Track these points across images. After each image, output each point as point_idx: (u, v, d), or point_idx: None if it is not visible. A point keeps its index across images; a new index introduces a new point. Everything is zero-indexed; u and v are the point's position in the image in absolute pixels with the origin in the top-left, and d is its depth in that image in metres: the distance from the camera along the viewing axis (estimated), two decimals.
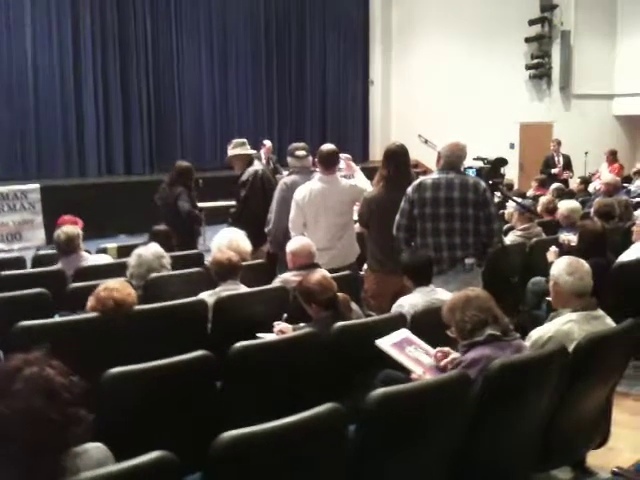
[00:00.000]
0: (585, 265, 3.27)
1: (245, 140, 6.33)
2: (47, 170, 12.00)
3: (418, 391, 2.39)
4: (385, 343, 3.07)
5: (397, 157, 4.76)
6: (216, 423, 2.36)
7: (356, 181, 5.32)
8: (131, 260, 4.41)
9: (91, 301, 3.33)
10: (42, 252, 6.22)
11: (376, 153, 15.53)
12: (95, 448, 1.76)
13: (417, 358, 3.02)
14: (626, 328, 3.06)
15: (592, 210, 6.49)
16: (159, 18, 13.41)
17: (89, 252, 5.48)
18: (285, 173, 6.56)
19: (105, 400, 2.54)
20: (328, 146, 5.24)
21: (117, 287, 3.37)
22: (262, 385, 2.98)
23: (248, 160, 6.21)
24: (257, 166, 6.19)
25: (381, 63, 16.43)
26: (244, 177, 6.08)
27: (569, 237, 5.37)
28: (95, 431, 2.44)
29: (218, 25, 14.31)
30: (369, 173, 5.67)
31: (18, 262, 5.58)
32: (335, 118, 16.18)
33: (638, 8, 13.04)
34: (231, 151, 6.25)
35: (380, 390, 2.23)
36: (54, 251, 5.42)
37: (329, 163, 5.11)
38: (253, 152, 6.39)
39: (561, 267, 3.26)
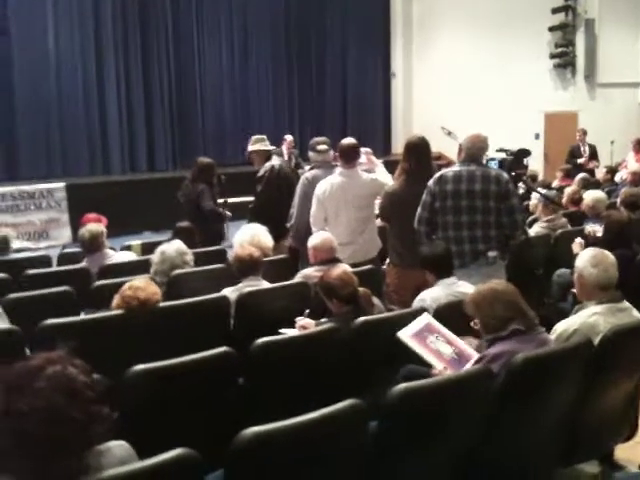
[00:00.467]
0: (610, 257, 3.22)
1: (264, 136, 6.38)
2: (71, 168, 12.13)
3: (439, 387, 2.37)
4: (406, 334, 3.06)
5: (418, 150, 4.73)
6: (238, 419, 2.37)
7: (377, 175, 5.29)
8: (154, 257, 4.44)
9: (116, 300, 3.36)
10: (67, 250, 6.29)
11: (398, 146, 15.45)
12: (118, 446, 1.77)
13: (438, 350, 3.01)
14: None
15: (618, 200, 6.40)
16: (181, 16, 13.47)
17: (114, 249, 5.54)
18: (307, 168, 6.55)
19: (128, 397, 2.56)
20: (348, 140, 5.22)
21: (142, 286, 3.39)
22: (284, 381, 2.99)
23: (267, 156, 6.24)
24: (274, 161, 6.22)
25: (402, 56, 16.32)
26: (261, 172, 6.13)
27: (594, 228, 5.30)
28: (118, 428, 2.48)
29: (239, 22, 14.34)
30: (392, 166, 5.64)
31: (44, 260, 5.65)
32: (356, 112, 16.12)
33: None
34: (250, 147, 6.32)
35: (401, 385, 2.22)
36: (79, 249, 5.48)
37: (350, 157, 5.09)
38: (272, 148, 6.43)
39: (585, 259, 3.22)
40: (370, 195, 5.11)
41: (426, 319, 3.17)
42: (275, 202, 5.96)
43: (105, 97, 12.54)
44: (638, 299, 3.34)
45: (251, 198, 6.34)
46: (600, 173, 10.72)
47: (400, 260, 4.70)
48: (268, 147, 6.34)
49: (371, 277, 4.39)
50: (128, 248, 5.92)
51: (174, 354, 2.70)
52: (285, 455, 2.00)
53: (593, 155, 11.27)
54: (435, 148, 9.78)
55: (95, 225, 5.17)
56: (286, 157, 10.68)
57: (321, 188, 5.04)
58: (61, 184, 10.40)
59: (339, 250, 4.47)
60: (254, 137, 6.39)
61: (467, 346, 3.08)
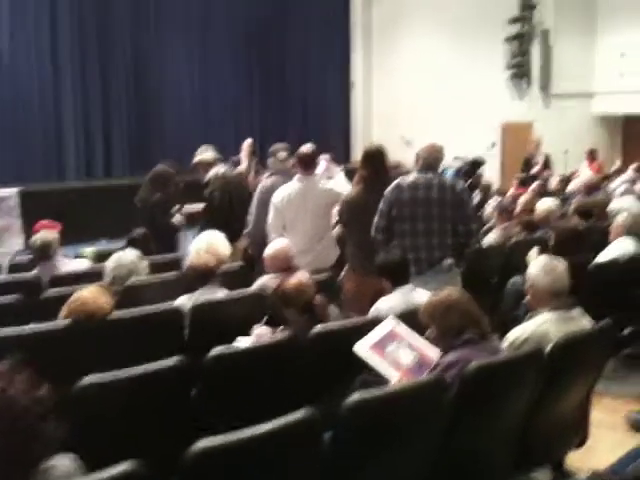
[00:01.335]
0: (561, 265, 3.27)
1: (209, 147, 6.59)
2: (25, 174, 11.83)
3: (393, 396, 2.38)
4: (364, 347, 3.04)
5: (375, 158, 4.75)
6: (192, 431, 2.33)
7: (334, 183, 5.31)
8: (109, 264, 4.37)
9: (64, 311, 3.29)
10: (19, 258, 6.14)
11: (358, 154, 15.38)
12: (65, 460, 1.72)
13: (398, 359, 3.00)
14: (603, 328, 3.07)
15: (571, 209, 6.52)
16: (140, 19, 13.29)
17: (68, 257, 5.43)
18: (265, 175, 6.55)
19: (79, 409, 2.51)
20: (307, 147, 5.22)
21: (90, 297, 3.32)
22: (239, 392, 2.96)
23: (212, 164, 6.39)
24: (219, 168, 6.36)
25: (362, 65, 16.42)
26: (206, 178, 6.29)
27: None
28: (68, 441, 2.42)
29: (198, 27, 14.23)
30: (351, 174, 5.68)
31: None
32: (317, 119, 16.15)
33: (617, 7, 13.12)
34: (196, 158, 6.50)
35: (355, 395, 2.22)
36: (31, 257, 5.36)
37: (308, 165, 5.10)
38: (217, 156, 6.58)
39: (538, 267, 3.27)
40: (328, 203, 5.12)
41: (390, 324, 3.15)
42: (225, 205, 6.11)
43: (61, 101, 12.29)
44: (589, 306, 3.40)
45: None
46: (554, 182, 10.93)
47: (358, 267, 4.71)
48: (211, 157, 6.49)
49: (328, 285, 4.39)
50: (81, 256, 5.81)
51: (126, 365, 2.65)
52: (237, 467, 1.98)
53: (547, 164, 11.49)
54: (394, 157, 9.88)
55: (47, 232, 5.06)
56: (245, 163, 10.63)
57: (279, 196, 5.03)
58: (14, 190, 10.16)
59: (297, 258, 4.46)
60: (200, 148, 6.61)
61: (431, 350, 3.05)
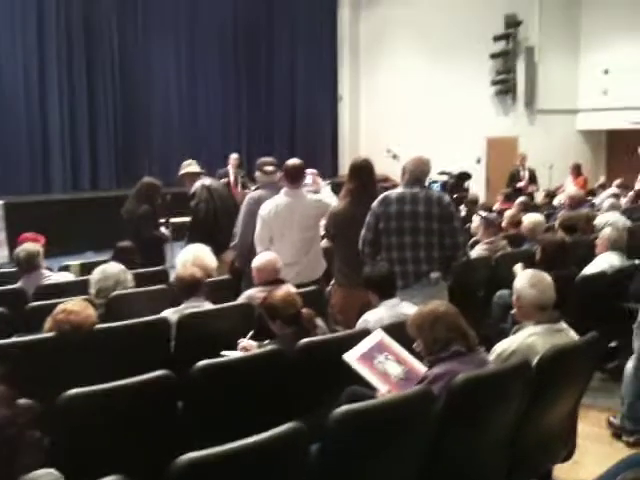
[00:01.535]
0: (547, 278, 3.28)
1: (193, 161, 6.68)
2: (10, 186, 11.74)
3: (381, 408, 2.36)
4: (353, 356, 3.04)
5: (362, 171, 4.76)
6: (177, 445, 2.31)
7: (322, 196, 5.31)
8: (94, 276, 4.35)
9: (48, 323, 3.26)
10: (3, 270, 6.09)
11: (345, 168, 15.52)
12: (46, 475, 1.69)
13: (385, 371, 3.00)
14: (589, 341, 3.08)
15: (556, 223, 6.56)
16: (127, 31, 13.29)
17: (51, 269, 5.39)
18: (253, 188, 6.57)
19: (63, 422, 2.48)
20: (294, 161, 5.23)
21: (75, 309, 3.29)
22: (225, 404, 2.93)
23: (196, 177, 6.43)
24: (204, 180, 6.42)
25: (349, 78, 16.52)
26: (191, 191, 6.31)
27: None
28: (51, 454, 2.39)
29: (187, 39, 14.27)
30: (339, 188, 5.68)
31: None
32: (304, 133, 16.21)
33: (600, 24, 13.31)
34: (181, 171, 6.56)
35: (342, 408, 2.21)
36: (15, 269, 5.31)
37: (295, 178, 5.09)
38: (201, 170, 6.65)
39: (524, 280, 3.28)
40: (315, 216, 5.12)
41: (378, 336, 3.15)
42: (211, 217, 6.14)
43: (47, 113, 12.23)
44: (576, 319, 3.42)
45: None
46: (539, 197, 11.02)
47: (345, 280, 4.70)
48: (197, 169, 6.55)
49: (315, 298, 4.38)
50: (66, 268, 5.77)
51: (111, 378, 2.62)
52: None
53: (532, 179, 11.59)
54: (381, 170, 9.90)
55: (31, 244, 5.03)
56: (232, 176, 10.64)
57: (266, 208, 5.02)
58: None
59: (284, 270, 4.45)
60: (184, 162, 6.67)
61: (419, 363, 3.06)
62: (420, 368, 2.99)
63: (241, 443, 1.96)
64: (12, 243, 8.51)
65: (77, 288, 4.50)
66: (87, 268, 5.29)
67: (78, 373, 2.96)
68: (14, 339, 3.45)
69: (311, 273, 5.04)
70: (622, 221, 6.74)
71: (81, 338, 3.24)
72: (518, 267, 4.82)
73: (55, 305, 3.43)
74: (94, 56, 12.81)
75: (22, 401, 2.26)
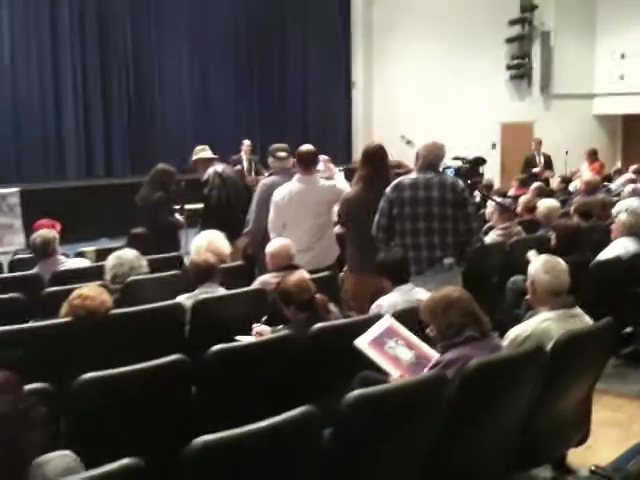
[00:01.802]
0: (561, 263, 3.27)
1: (206, 146, 6.71)
2: (26, 173, 11.85)
3: (394, 393, 2.37)
4: (364, 341, 3.05)
5: (375, 157, 4.75)
6: (191, 428, 2.33)
7: (335, 182, 5.30)
8: (109, 262, 4.37)
9: (64, 308, 3.28)
10: (19, 256, 6.15)
11: (359, 154, 15.45)
12: (61, 457, 1.71)
13: (396, 356, 3.00)
14: (604, 326, 3.06)
15: (572, 209, 6.52)
16: (140, 19, 13.30)
17: (67, 255, 5.43)
18: (266, 174, 6.56)
19: (77, 405, 2.50)
20: (307, 147, 5.22)
21: (91, 295, 3.31)
22: (239, 389, 2.95)
23: (210, 163, 6.48)
24: (217, 166, 6.44)
25: (363, 65, 16.43)
26: (205, 177, 6.35)
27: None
28: (67, 436, 2.42)
29: (199, 27, 14.23)
30: (352, 174, 5.65)
31: None
32: (317, 120, 16.15)
33: (617, 8, 13.13)
34: (194, 156, 6.61)
35: (355, 392, 2.21)
36: (32, 255, 5.36)
37: (308, 164, 5.09)
38: (214, 156, 6.67)
39: (538, 266, 3.26)
40: (328, 202, 5.11)
41: (388, 322, 3.16)
42: (223, 204, 6.19)
43: (61, 101, 12.30)
44: (590, 305, 3.40)
45: None
46: (554, 182, 10.94)
47: (358, 266, 4.70)
48: (210, 155, 6.59)
49: (329, 284, 4.39)
50: (82, 254, 5.81)
51: (127, 362, 2.64)
52: (237, 464, 1.97)
53: (548, 165, 11.48)
54: (395, 157, 9.87)
55: (47, 230, 5.07)
56: (245, 163, 10.64)
57: (279, 194, 5.02)
58: (15, 189, 10.16)
59: (297, 257, 4.46)
60: (197, 148, 6.70)
61: (429, 348, 3.07)
62: (430, 353, 2.99)
63: (254, 426, 1.97)
64: (28, 230, 8.58)
65: (92, 274, 4.54)
66: (102, 254, 5.33)
67: (93, 357, 3.00)
68: (32, 324, 3.48)
69: (324, 259, 5.04)
70: (636, 205, 6.66)
71: (96, 323, 3.27)
72: (532, 253, 4.80)
73: (71, 291, 3.45)
74: (108, 45, 12.85)
75: (38, 385, 2.30)
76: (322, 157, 5.49)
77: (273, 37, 15.51)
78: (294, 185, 5.04)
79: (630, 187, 7.75)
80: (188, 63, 14.20)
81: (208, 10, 14.21)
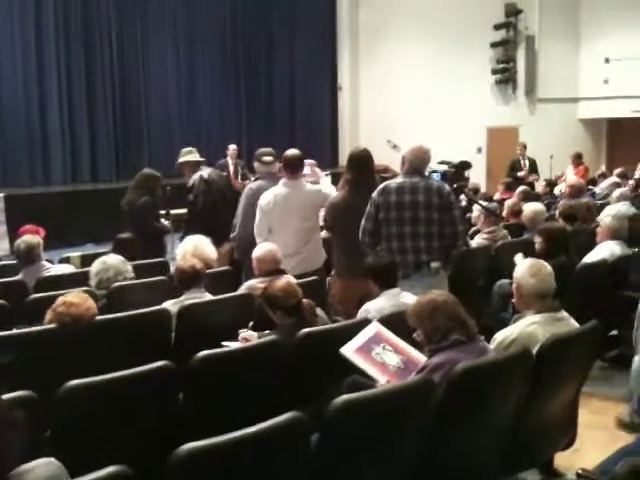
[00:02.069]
0: (547, 267, 3.28)
1: (193, 149, 6.59)
2: (10, 178, 11.76)
3: (381, 397, 2.36)
4: (350, 349, 3.04)
5: (360, 161, 4.75)
6: (178, 435, 2.31)
7: (321, 186, 5.31)
8: (94, 268, 4.34)
9: (49, 315, 3.25)
10: (3, 262, 6.09)
11: (345, 158, 15.49)
12: (45, 464, 1.68)
13: (383, 362, 3.00)
14: (590, 329, 3.07)
15: (557, 212, 6.55)
16: (125, 24, 13.23)
17: (51, 262, 5.39)
18: (252, 179, 6.55)
19: (63, 413, 2.48)
20: (293, 151, 5.22)
21: (75, 302, 3.28)
22: (226, 395, 2.93)
23: (197, 167, 6.40)
24: (203, 171, 6.37)
25: (349, 68, 16.46)
26: (190, 182, 6.28)
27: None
28: (52, 444, 2.40)
29: (184, 30, 14.19)
30: (338, 178, 5.67)
31: None
32: (304, 124, 16.17)
33: (600, 13, 13.25)
34: (180, 159, 6.49)
35: (342, 397, 2.21)
36: (16, 261, 5.31)
37: (294, 168, 5.08)
38: (201, 159, 6.60)
39: (523, 269, 3.28)
40: (314, 206, 5.11)
41: (375, 328, 3.16)
42: (209, 209, 6.12)
43: (46, 105, 12.20)
44: (575, 308, 3.41)
45: None
46: (540, 186, 11.00)
47: (344, 271, 4.71)
48: (197, 158, 6.49)
49: (315, 288, 4.38)
50: (67, 260, 5.77)
51: (112, 369, 2.62)
52: (223, 470, 1.96)
53: (533, 169, 11.55)
54: (381, 161, 9.90)
55: (31, 236, 5.03)
56: (231, 167, 10.63)
57: (265, 199, 5.02)
58: None
59: (285, 261, 4.45)
60: (183, 150, 6.58)
61: (417, 352, 3.06)
62: (418, 357, 2.99)
63: (241, 433, 1.96)
64: (12, 235, 8.52)
65: (78, 280, 4.50)
66: (88, 260, 5.30)
67: (79, 364, 2.97)
68: (15, 331, 3.45)
69: (312, 263, 5.04)
70: (624, 210, 6.71)
71: (82, 330, 3.24)
72: (519, 257, 4.82)
73: (55, 297, 3.43)
74: (92, 48, 12.76)
75: (22, 392, 2.28)
76: (308, 161, 5.50)
77: (259, 40, 15.48)
78: (280, 189, 5.04)
79: (617, 192, 7.80)
80: (174, 68, 14.14)
81: (194, 12, 14.19)
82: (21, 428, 1.49)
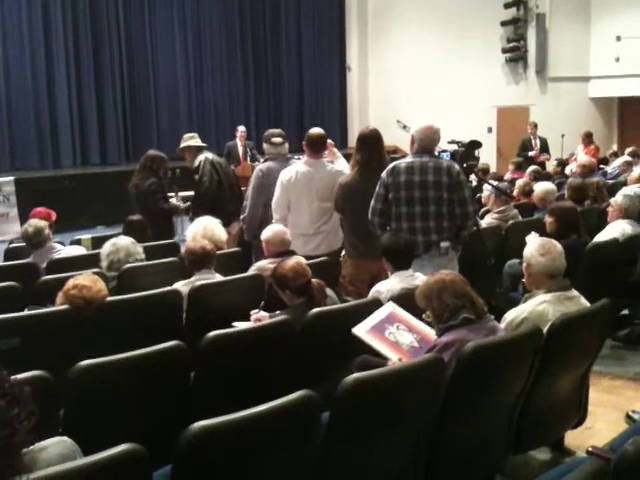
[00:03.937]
0: (557, 246, 3.26)
1: (195, 134, 6.59)
2: (21, 162, 11.84)
3: (391, 376, 2.37)
4: (362, 329, 3.05)
5: (370, 141, 4.72)
6: (189, 414, 2.33)
7: (341, 167, 5.28)
8: (105, 249, 4.35)
9: (60, 297, 3.27)
10: (15, 245, 6.12)
11: (354, 139, 15.42)
12: (58, 443, 1.70)
13: (396, 341, 3.00)
14: (600, 308, 3.06)
15: (566, 191, 6.51)
16: (132, 5, 13.21)
17: (62, 244, 5.41)
18: (262, 160, 6.55)
19: (74, 393, 2.50)
20: (317, 130, 5.20)
21: (87, 284, 3.29)
22: (237, 374, 2.95)
23: (198, 152, 6.36)
24: (206, 154, 6.34)
25: (357, 49, 16.34)
26: (195, 163, 6.25)
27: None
28: (65, 424, 2.42)
29: (192, 12, 14.14)
30: (348, 159, 5.64)
31: None
32: (312, 104, 16.10)
33: None
34: (182, 144, 6.45)
35: (352, 376, 2.21)
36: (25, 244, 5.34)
37: (317, 147, 5.08)
38: (203, 144, 6.57)
39: (533, 248, 3.26)
40: (334, 186, 5.08)
41: (390, 308, 3.16)
42: (215, 190, 6.10)
43: (55, 89, 12.23)
44: (586, 287, 3.40)
45: None
46: (550, 166, 10.93)
47: (355, 251, 4.70)
48: (199, 143, 6.46)
49: (327, 268, 4.38)
50: (78, 242, 5.79)
51: (124, 349, 2.64)
52: (233, 448, 1.97)
53: (544, 148, 11.48)
54: (391, 141, 9.85)
55: (38, 220, 5.04)
56: (240, 149, 10.61)
57: (286, 174, 5.01)
58: (10, 178, 10.14)
59: (306, 240, 4.45)
60: (186, 135, 6.56)
61: (431, 330, 3.05)
62: (433, 335, 2.99)
63: (252, 410, 1.97)
64: (23, 218, 8.57)
65: (88, 262, 4.52)
66: (98, 242, 5.32)
67: (91, 345, 3.00)
68: (27, 312, 3.47)
69: (331, 244, 5.04)
70: (635, 190, 6.65)
71: (94, 311, 3.26)
72: (532, 235, 4.80)
73: (67, 279, 3.44)
74: (100, 32, 12.76)
75: (35, 372, 2.30)
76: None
77: (267, 22, 15.39)
78: (301, 167, 5.04)
79: (637, 171, 7.70)
80: (182, 50, 14.10)
81: None
82: (27, 403, 1.48)
